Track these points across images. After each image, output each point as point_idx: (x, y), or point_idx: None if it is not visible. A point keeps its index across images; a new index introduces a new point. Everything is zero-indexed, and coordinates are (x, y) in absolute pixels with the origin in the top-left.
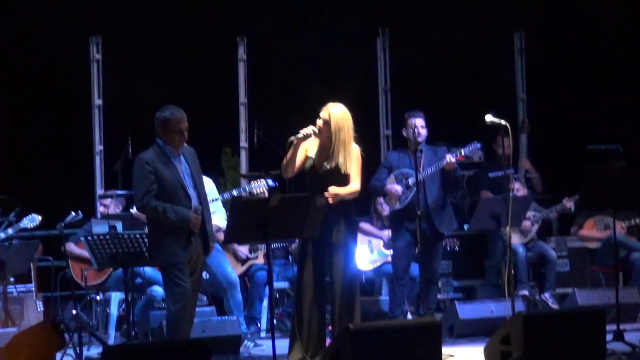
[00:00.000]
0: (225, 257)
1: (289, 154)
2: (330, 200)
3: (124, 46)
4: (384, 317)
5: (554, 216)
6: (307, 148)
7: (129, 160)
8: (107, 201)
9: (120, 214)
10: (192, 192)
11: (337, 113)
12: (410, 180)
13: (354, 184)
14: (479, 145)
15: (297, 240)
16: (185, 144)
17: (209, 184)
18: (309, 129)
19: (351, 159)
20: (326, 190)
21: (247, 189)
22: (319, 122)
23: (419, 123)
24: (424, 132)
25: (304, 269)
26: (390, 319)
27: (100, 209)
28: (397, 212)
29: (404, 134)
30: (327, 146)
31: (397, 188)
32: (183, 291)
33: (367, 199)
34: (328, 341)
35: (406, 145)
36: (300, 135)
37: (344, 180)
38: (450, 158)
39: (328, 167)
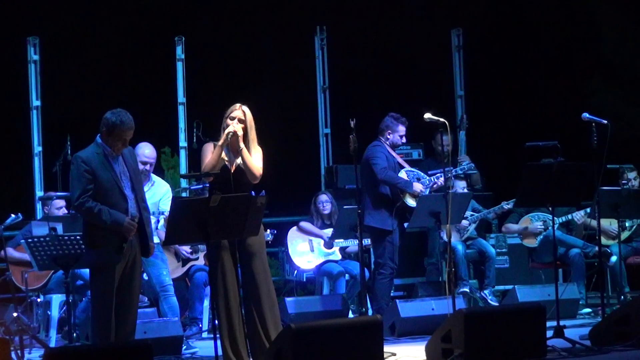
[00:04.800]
0: (163, 259)
1: (214, 158)
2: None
3: (61, 47)
4: (324, 316)
5: (492, 217)
6: (212, 151)
7: (68, 161)
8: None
9: (61, 216)
10: (129, 193)
11: (248, 112)
12: (429, 181)
13: (259, 166)
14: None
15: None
16: None
17: (164, 189)
18: (232, 129)
19: (259, 157)
20: (241, 190)
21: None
22: (234, 122)
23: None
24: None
25: (223, 273)
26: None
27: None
28: (399, 210)
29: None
30: (237, 146)
31: (422, 187)
32: (108, 296)
33: (309, 197)
34: None
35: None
36: (229, 136)
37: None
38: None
39: (241, 165)
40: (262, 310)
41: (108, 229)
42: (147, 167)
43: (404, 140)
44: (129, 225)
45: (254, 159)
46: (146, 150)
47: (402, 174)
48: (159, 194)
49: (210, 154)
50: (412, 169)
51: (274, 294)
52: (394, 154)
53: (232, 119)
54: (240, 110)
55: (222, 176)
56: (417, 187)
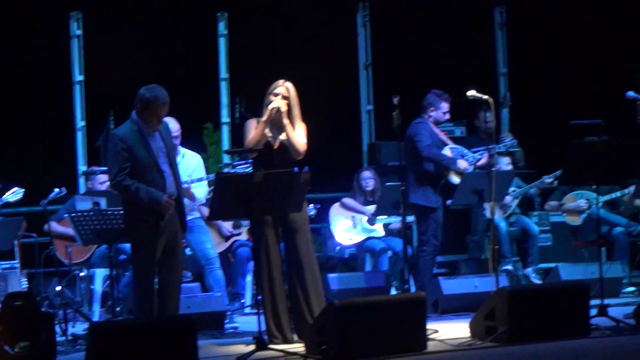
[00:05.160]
0: (207, 232)
1: (257, 134)
2: (282, 107)
3: (104, 22)
4: (367, 292)
5: (535, 192)
6: (256, 127)
7: None
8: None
9: (105, 190)
10: (166, 168)
11: (292, 88)
12: (473, 158)
13: (303, 142)
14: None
15: None
16: None
17: (196, 160)
18: (276, 105)
19: (303, 133)
20: (284, 166)
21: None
22: (278, 98)
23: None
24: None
25: (266, 249)
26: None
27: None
28: (443, 187)
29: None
30: (281, 122)
31: (467, 164)
32: (149, 273)
33: (352, 174)
34: None
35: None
36: (273, 112)
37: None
38: None
39: (284, 142)
40: (305, 287)
41: (146, 206)
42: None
43: (447, 116)
44: (167, 203)
45: (298, 134)
46: (169, 125)
47: (446, 151)
48: (192, 165)
49: (253, 130)
50: (456, 146)
51: (318, 270)
52: (437, 131)
53: (276, 95)
54: (283, 87)
55: (266, 152)
56: (462, 164)
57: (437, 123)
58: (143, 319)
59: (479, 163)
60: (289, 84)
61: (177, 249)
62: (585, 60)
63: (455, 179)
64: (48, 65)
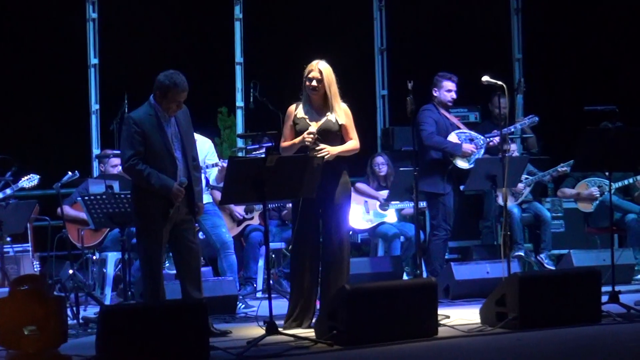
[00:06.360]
0: (220, 217)
1: (290, 149)
2: (329, 158)
3: (120, 5)
4: (377, 277)
5: (548, 180)
6: (296, 112)
7: None
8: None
9: (118, 174)
10: (178, 154)
11: (326, 68)
12: (483, 141)
13: (354, 142)
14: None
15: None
16: None
17: (207, 145)
18: (310, 138)
19: (343, 113)
20: (331, 145)
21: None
22: (314, 82)
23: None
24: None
25: (300, 230)
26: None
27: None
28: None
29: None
30: (320, 104)
31: (473, 148)
32: (154, 258)
33: (365, 159)
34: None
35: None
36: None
37: (338, 134)
38: None
39: (324, 124)
40: (328, 278)
41: (156, 192)
42: None
43: (453, 96)
44: (177, 191)
45: (349, 145)
46: None
47: (452, 137)
48: (203, 151)
49: (289, 123)
50: (464, 131)
51: (348, 254)
52: (447, 114)
53: (310, 80)
54: (316, 70)
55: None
56: (467, 147)
57: (445, 105)
58: (155, 303)
59: (492, 143)
60: (322, 65)
61: (188, 234)
62: (600, 46)
63: (461, 164)
64: (63, 48)
